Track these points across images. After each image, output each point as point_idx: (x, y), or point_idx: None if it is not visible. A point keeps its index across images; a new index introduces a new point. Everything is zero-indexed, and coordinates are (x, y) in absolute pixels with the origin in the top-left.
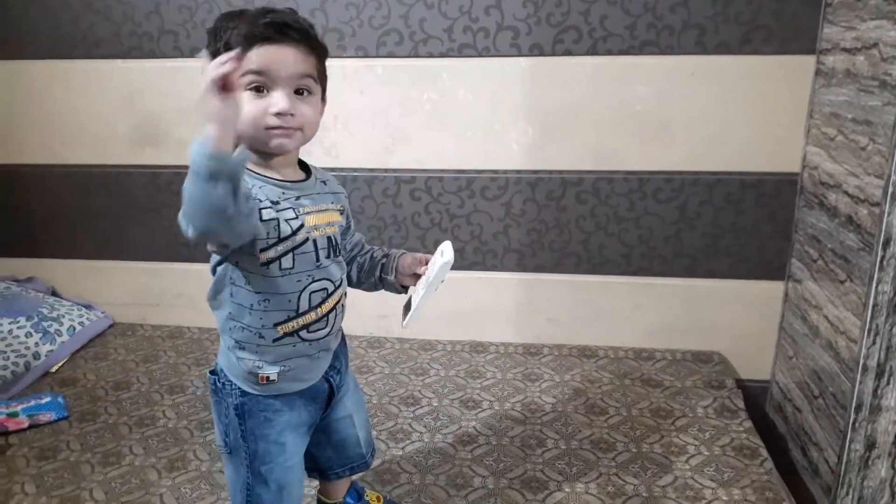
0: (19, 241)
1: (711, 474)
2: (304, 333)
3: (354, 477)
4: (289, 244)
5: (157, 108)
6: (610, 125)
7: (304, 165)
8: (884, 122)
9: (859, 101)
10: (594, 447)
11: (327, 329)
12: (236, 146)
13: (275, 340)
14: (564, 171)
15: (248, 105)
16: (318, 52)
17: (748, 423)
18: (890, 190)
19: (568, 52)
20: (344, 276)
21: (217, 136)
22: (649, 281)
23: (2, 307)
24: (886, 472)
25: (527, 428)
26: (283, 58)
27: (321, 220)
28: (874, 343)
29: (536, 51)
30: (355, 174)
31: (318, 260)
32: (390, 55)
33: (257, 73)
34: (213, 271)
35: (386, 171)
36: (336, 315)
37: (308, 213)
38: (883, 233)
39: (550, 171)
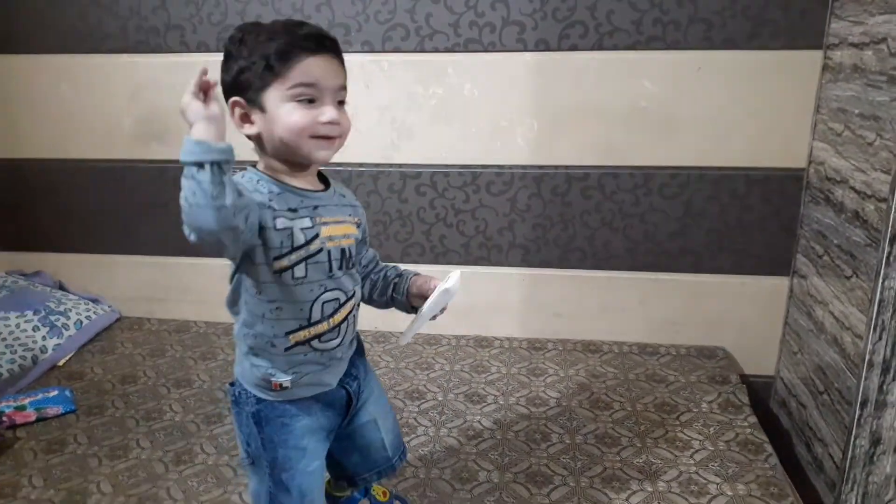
0: (26, 236)
1: (716, 469)
2: (315, 343)
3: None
4: (302, 253)
5: (163, 102)
6: (616, 120)
7: (322, 178)
8: (891, 118)
9: (867, 96)
10: (599, 442)
11: (339, 339)
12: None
13: (286, 349)
14: (570, 167)
15: (296, 115)
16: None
17: (753, 419)
18: None
19: (574, 48)
20: (357, 288)
21: (204, 130)
22: (654, 276)
23: (9, 301)
24: (891, 468)
25: (532, 422)
26: (329, 69)
27: (337, 231)
28: (880, 339)
29: (542, 46)
30: (361, 169)
31: (330, 270)
32: (396, 50)
33: (309, 85)
34: (231, 279)
35: (391, 165)
36: (348, 325)
37: (325, 223)
38: (890, 228)
39: (556, 167)
